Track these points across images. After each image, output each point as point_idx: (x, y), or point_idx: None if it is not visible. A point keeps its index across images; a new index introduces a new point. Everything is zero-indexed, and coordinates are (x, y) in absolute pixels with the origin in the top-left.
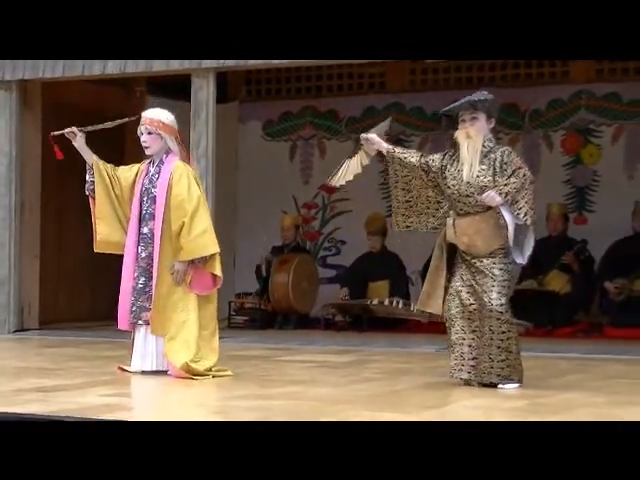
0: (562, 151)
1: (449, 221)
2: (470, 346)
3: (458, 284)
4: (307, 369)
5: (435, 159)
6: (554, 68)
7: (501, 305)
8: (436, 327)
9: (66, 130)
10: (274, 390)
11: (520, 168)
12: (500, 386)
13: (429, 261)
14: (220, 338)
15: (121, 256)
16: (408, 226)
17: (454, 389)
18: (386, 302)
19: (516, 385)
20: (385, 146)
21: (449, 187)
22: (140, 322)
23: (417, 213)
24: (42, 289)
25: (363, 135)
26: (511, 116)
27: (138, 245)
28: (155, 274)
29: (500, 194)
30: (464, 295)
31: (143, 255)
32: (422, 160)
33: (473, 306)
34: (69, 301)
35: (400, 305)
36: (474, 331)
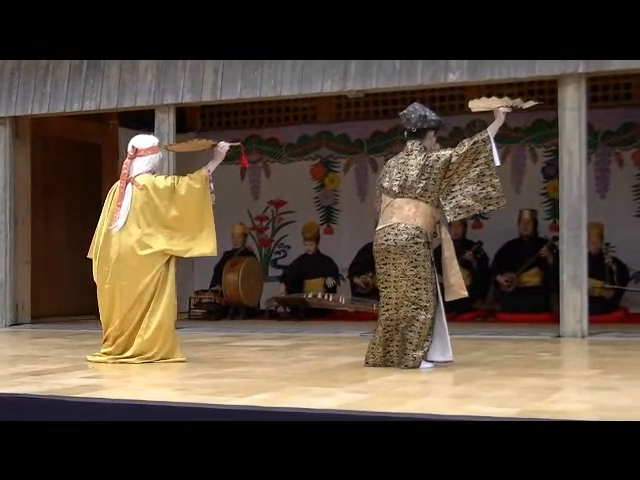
0: None
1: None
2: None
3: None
4: (253, 352)
5: None
6: (453, 102)
7: None
8: (360, 316)
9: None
10: (226, 370)
11: None
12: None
13: (355, 260)
14: (182, 328)
15: None
16: None
17: (374, 367)
18: (319, 295)
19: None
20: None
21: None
22: None
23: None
24: (33, 289)
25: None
26: None
27: None
28: None
29: None
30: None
31: None
32: None
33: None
34: (55, 299)
35: (330, 298)
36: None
